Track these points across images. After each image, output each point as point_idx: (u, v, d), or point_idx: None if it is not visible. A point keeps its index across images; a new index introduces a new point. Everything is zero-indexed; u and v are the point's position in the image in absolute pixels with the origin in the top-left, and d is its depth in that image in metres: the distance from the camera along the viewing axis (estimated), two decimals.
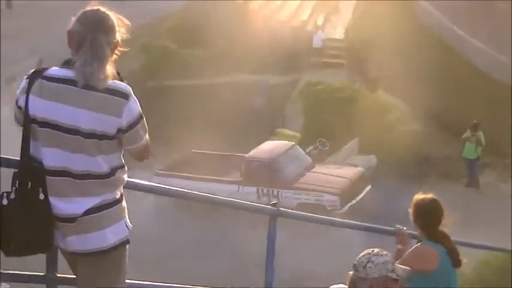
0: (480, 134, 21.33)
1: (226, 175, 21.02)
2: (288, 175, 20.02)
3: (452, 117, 23.04)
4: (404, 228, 6.38)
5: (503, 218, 18.38)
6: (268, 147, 21.21)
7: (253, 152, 20.84)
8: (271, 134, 25.58)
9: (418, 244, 6.04)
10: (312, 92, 24.63)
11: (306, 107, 24.69)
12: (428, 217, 5.92)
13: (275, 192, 19.65)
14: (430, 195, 6.02)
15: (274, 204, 6.02)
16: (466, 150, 21.41)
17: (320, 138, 22.63)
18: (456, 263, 5.98)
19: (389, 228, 6.59)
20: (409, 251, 6.02)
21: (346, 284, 4.62)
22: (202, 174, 20.31)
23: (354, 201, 19.56)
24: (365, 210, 18.50)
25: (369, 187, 20.53)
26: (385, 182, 20.92)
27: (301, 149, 21.44)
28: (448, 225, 5.98)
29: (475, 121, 21.46)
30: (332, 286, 4.75)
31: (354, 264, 4.53)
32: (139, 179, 4.86)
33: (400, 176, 21.27)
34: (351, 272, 4.56)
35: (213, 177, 20.40)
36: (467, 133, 21.33)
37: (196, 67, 27.83)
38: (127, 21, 3.87)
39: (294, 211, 6.87)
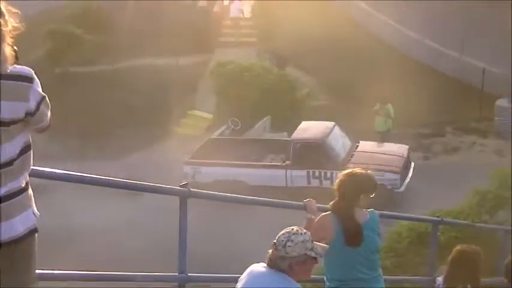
0: (389, 106, 21.69)
1: (261, 160, 20.22)
2: (338, 155, 19.16)
3: (361, 91, 23.34)
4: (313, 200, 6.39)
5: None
6: (312, 128, 20.05)
7: (298, 134, 19.74)
8: (183, 117, 25.46)
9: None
10: (222, 72, 24.51)
11: (217, 87, 24.58)
12: (343, 188, 5.94)
13: (328, 174, 18.58)
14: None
15: (184, 185, 5.89)
16: (377, 123, 21.77)
17: (232, 118, 22.59)
18: (348, 240, 5.88)
19: (299, 202, 6.58)
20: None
21: (266, 263, 4.62)
22: (232, 160, 19.36)
23: (408, 180, 18.99)
24: None
25: (413, 164, 19.91)
26: None
27: (340, 128, 20.39)
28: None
29: (383, 94, 21.81)
30: (253, 265, 4.75)
31: (274, 243, 4.54)
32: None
33: None
34: (271, 251, 4.57)
35: (255, 163, 19.63)
36: (377, 106, 21.67)
37: (103, 52, 27.38)
38: (15, 10, 3.75)
39: (206, 191, 6.69)
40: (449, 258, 6.56)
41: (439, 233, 11.22)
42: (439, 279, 6.69)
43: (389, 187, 18.13)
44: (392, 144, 20.67)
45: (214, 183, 17.86)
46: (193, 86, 26.47)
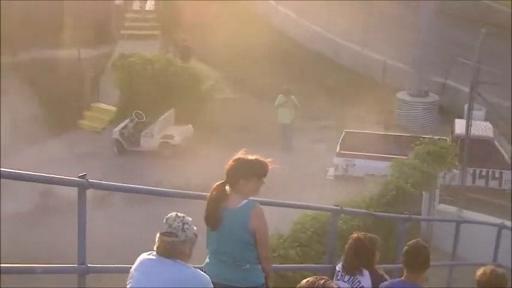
0: (293, 98, 21.87)
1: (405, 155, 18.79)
2: (506, 153, 18.28)
3: (262, 83, 23.49)
4: None
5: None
6: (475, 125, 18.33)
7: (460, 131, 18.41)
8: (86, 109, 25.02)
9: None
10: (125, 65, 24.17)
11: (120, 80, 24.22)
12: (227, 172, 5.80)
13: (496, 174, 17.81)
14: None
15: (82, 176, 5.77)
16: (281, 115, 21.85)
17: (136, 111, 22.35)
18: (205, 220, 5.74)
19: (201, 193, 6.55)
20: None
21: (161, 253, 4.64)
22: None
23: None
24: None
25: None
26: (202, 151, 20.98)
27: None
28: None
29: (286, 86, 21.97)
30: (143, 254, 4.74)
31: (170, 232, 4.60)
32: None
33: (217, 144, 21.44)
34: (160, 239, 4.63)
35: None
36: (281, 98, 21.76)
37: (2, 44, 26.56)
38: None
39: (104, 182, 6.57)
40: (347, 245, 6.69)
41: (341, 223, 11.41)
42: (339, 266, 6.80)
43: None
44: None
45: (366, 177, 16.58)
46: (96, 78, 26.01)
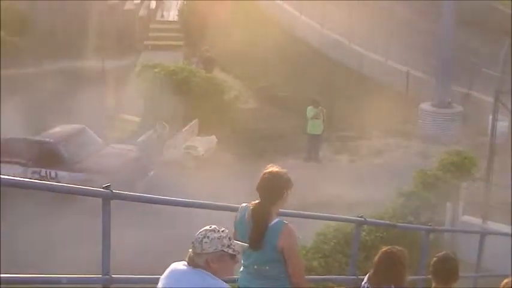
0: (321, 108, 21.79)
1: None
2: None
3: (287, 94, 23.50)
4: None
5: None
6: None
7: None
8: (111, 120, 25.14)
9: None
10: (148, 75, 24.30)
11: (144, 90, 24.33)
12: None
13: None
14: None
15: (106, 187, 5.81)
16: (313, 126, 21.69)
17: (159, 121, 22.43)
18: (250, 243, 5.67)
19: (232, 205, 6.56)
20: None
21: (186, 261, 4.69)
22: None
23: None
24: None
25: None
26: (226, 161, 21.02)
27: None
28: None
29: (315, 97, 21.87)
30: (173, 264, 4.79)
31: (193, 241, 4.63)
32: None
33: (241, 155, 21.47)
34: (191, 249, 4.65)
35: None
36: (313, 110, 21.58)
37: (27, 55, 26.84)
38: None
39: (128, 192, 6.58)
40: (375, 259, 6.61)
41: (364, 234, 11.40)
42: (365, 279, 6.74)
43: None
44: None
45: None
46: (120, 89, 26.16)
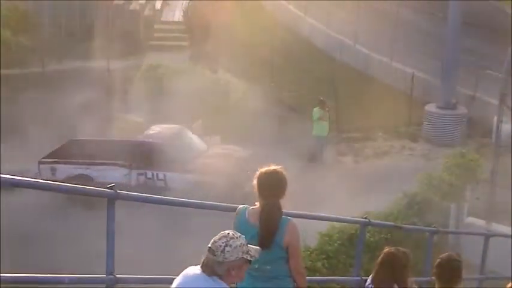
0: (327, 110, 21.72)
1: None
2: None
3: (290, 94, 23.48)
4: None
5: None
6: None
7: None
8: (115, 120, 25.13)
9: None
10: (153, 76, 24.33)
11: (148, 91, 24.35)
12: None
13: None
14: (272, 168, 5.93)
15: (111, 187, 5.82)
16: (319, 128, 21.64)
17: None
18: (260, 242, 5.58)
19: (230, 205, 6.55)
20: None
21: (201, 267, 4.63)
22: None
23: None
24: None
25: None
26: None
27: None
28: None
29: (321, 98, 21.82)
30: (189, 268, 4.75)
31: (211, 249, 4.56)
32: None
33: (244, 156, 21.41)
34: (205, 256, 4.58)
35: None
36: (319, 111, 21.52)
37: (32, 55, 26.87)
38: None
39: (133, 193, 6.58)
40: (379, 259, 6.62)
41: (369, 235, 11.38)
42: (369, 280, 6.75)
43: None
44: None
45: None
46: (124, 89, 26.16)
